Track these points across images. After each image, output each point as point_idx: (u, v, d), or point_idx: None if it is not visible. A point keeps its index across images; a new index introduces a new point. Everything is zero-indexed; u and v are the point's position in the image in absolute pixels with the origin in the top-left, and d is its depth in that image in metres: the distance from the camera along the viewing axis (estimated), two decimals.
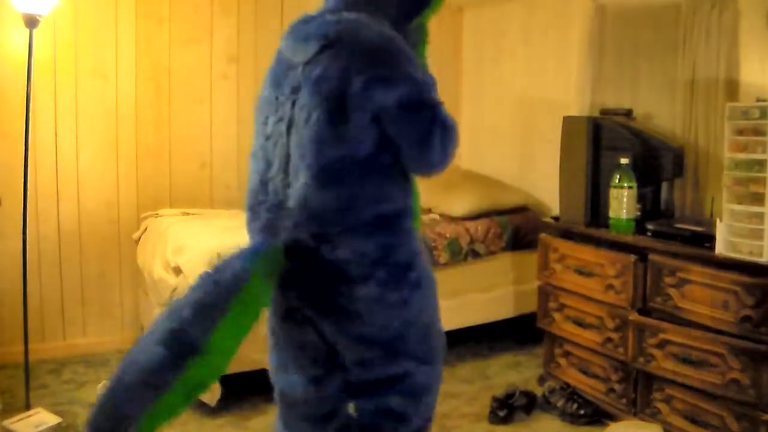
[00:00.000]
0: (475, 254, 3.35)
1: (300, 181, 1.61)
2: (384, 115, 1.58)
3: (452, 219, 3.48)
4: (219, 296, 1.52)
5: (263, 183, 1.71)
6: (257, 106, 1.85)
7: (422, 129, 1.61)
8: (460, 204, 3.51)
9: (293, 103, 1.66)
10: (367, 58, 1.58)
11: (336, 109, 1.58)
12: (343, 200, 1.60)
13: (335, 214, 1.60)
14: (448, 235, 3.30)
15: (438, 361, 1.79)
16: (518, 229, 3.49)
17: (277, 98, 1.73)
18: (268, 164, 1.72)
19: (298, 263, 1.62)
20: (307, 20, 1.76)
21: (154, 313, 3.06)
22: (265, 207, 1.70)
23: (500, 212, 3.55)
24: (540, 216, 3.63)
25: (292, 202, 1.62)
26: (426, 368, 1.75)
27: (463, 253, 3.30)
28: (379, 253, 1.64)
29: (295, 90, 1.66)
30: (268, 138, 1.75)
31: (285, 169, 1.66)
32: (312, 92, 1.61)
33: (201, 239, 2.91)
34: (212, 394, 2.70)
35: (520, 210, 3.63)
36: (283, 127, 1.69)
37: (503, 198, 3.63)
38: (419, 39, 1.75)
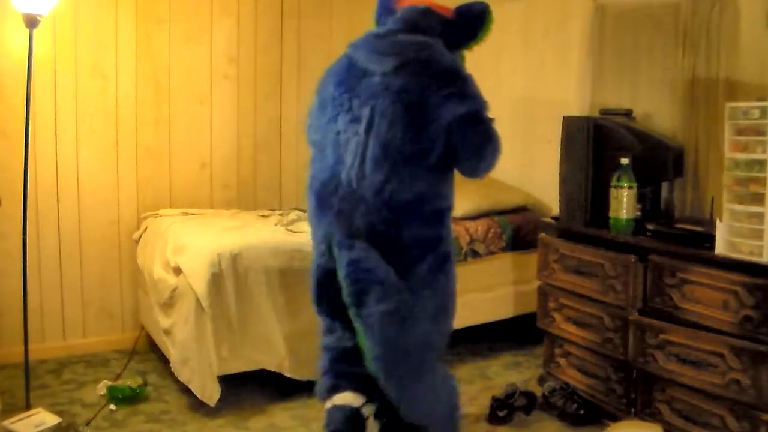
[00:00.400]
0: (475, 254, 3.35)
1: (379, 176, 1.91)
2: (453, 125, 1.91)
3: (453, 219, 3.48)
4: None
5: (334, 175, 1.99)
6: (320, 101, 2.09)
7: (480, 139, 1.96)
8: (460, 204, 3.50)
9: (372, 108, 1.94)
10: (443, 77, 1.94)
11: (416, 117, 1.90)
12: (416, 194, 1.94)
13: (407, 205, 1.94)
14: None
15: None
16: (518, 229, 3.49)
17: (350, 99, 1.99)
18: (339, 158, 1.99)
19: (370, 241, 1.95)
20: (379, 35, 2.05)
21: (154, 312, 3.06)
22: (338, 196, 1.97)
23: (500, 212, 3.55)
24: (540, 216, 3.63)
25: (368, 193, 1.92)
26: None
27: (462, 253, 3.30)
28: (433, 241, 2.00)
29: (373, 96, 1.95)
30: (339, 133, 2.00)
31: (361, 164, 1.93)
32: (394, 101, 1.91)
33: (201, 239, 2.91)
34: (212, 394, 2.70)
35: (520, 210, 3.63)
36: (360, 127, 1.95)
37: (503, 198, 3.63)
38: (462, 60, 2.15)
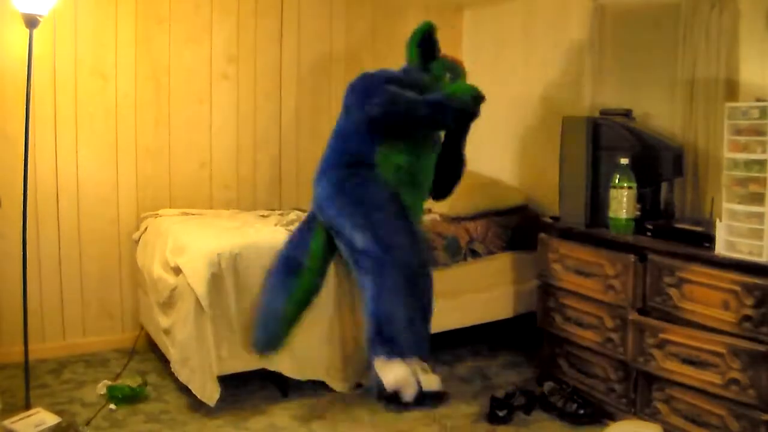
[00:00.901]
0: (475, 254, 3.35)
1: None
2: (369, 109, 2.69)
3: (452, 219, 3.49)
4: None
5: None
6: None
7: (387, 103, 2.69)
8: (460, 203, 3.51)
9: None
10: (364, 84, 2.80)
11: (347, 110, 2.83)
12: (333, 151, 2.84)
13: (326, 160, 2.84)
14: (447, 235, 3.30)
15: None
16: (518, 229, 3.49)
17: None
18: None
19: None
20: None
21: (154, 313, 3.06)
22: None
23: (500, 213, 3.55)
24: (540, 216, 3.64)
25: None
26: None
27: (462, 253, 3.30)
28: (341, 181, 2.73)
29: None
30: None
31: None
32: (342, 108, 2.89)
33: (201, 239, 2.91)
34: (211, 394, 2.70)
35: (520, 210, 3.63)
36: None
37: (503, 197, 3.63)
38: (437, 74, 2.93)
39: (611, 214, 2.69)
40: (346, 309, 2.98)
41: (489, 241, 3.40)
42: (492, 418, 2.72)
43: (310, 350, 2.94)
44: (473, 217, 3.47)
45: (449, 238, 3.29)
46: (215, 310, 2.72)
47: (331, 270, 2.88)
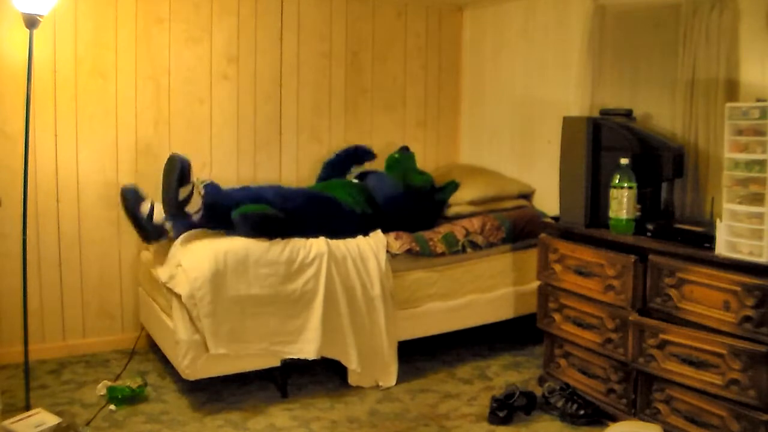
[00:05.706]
0: (475, 245, 3.33)
1: None
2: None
3: (448, 219, 3.51)
4: None
5: None
6: None
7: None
8: (469, 191, 3.59)
9: None
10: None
11: None
12: None
13: None
14: (442, 231, 3.30)
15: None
16: (516, 222, 3.50)
17: None
18: None
19: None
20: None
21: (153, 309, 3.06)
22: None
23: (496, 210, 3.57)
24: (537, 208, 3.65)
25: None
26: None
27: (460, 244, 3.29)
28: None
29: None
30: None
31: None
32: None
33: (203, 237, 2.91)
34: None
35: (517, 208, 3.65)
36: None
37: (507, 187, 3.71)
38: None
39: (611, 215, 2.69)
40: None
41: (488, 233, 3.39)
42: (492, 419, 2.72)
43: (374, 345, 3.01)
44: (469, 215, 3.50)
45: (445, 234, 3.29)
46: (216, 310, 2.72)
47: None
